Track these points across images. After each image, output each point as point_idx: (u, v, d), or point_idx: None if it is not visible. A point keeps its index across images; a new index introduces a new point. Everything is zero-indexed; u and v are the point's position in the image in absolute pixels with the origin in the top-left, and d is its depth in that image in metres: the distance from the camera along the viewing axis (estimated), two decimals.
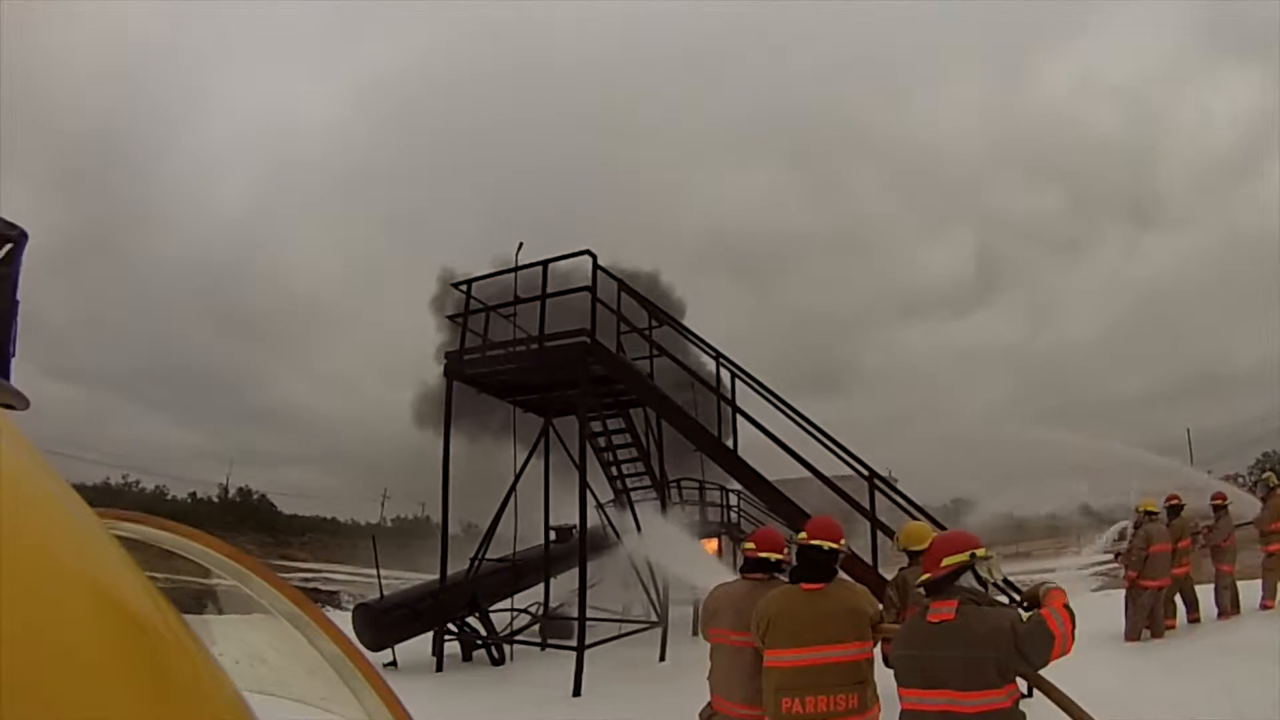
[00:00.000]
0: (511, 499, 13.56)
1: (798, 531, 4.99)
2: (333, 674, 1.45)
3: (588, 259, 12.13)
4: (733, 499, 21.30)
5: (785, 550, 5.30)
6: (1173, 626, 11.93)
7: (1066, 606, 3.69)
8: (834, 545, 4.69)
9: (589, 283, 12.09)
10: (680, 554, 11.77)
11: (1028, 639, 3.54)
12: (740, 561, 5.53)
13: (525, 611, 14.06)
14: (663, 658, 12.17)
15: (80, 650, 0.52)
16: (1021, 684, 3.72)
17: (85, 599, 0.57)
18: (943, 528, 8.02)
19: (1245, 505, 13.18)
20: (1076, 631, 3.64)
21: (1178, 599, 12.18)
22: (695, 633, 10.96)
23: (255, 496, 39.79)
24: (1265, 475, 13.49)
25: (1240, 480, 36.60)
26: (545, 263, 12.31)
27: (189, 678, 0.64)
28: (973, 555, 3.88)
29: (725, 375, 11.94)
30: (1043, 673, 3.65)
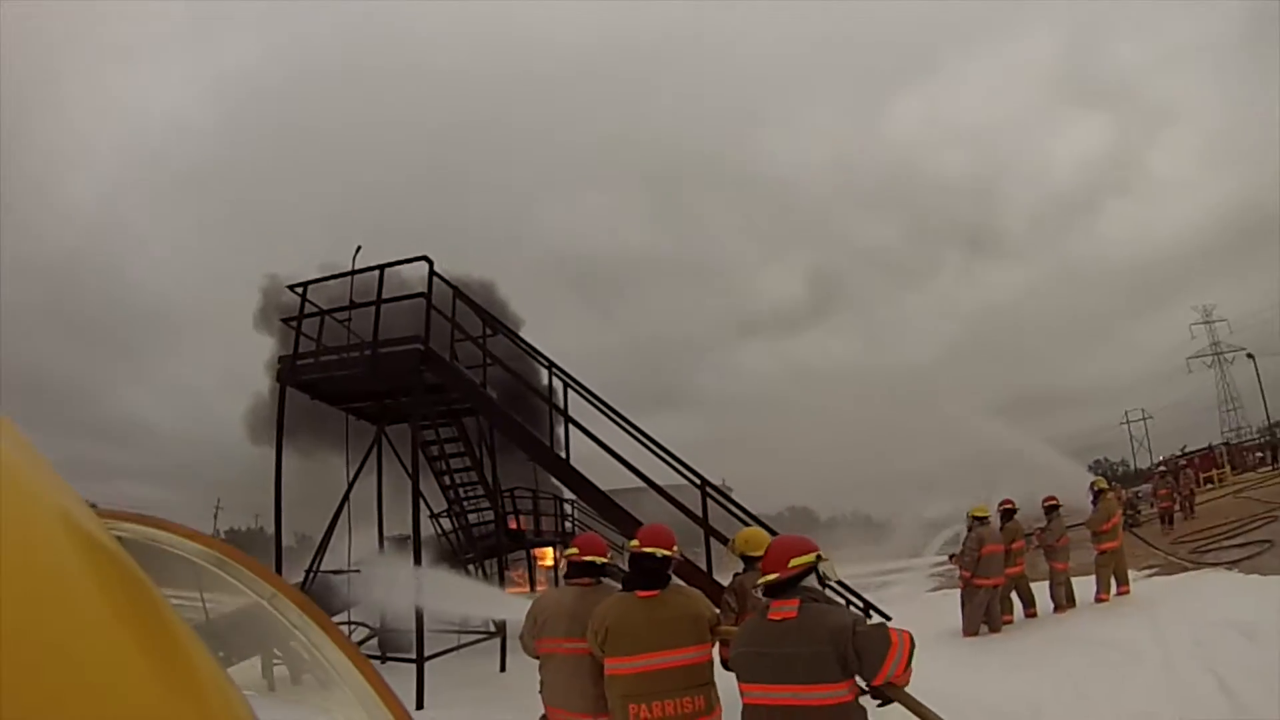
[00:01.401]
0: (345, 509, 13.05)
1: (631, 540, 4.96)
2: (333, 674, 1.44)
3: (424, 265, 11.79)
4: (567, 508, 21.22)
5: (609, 554, 5.33)
6: (1009, 621, 12.28)
7: (911, 642, 3.68)
8: (667, 552, 4.68)
9: (424, 289, 11.77)
10: (457, 594, 11.46)
11: (865, 638, 3.58)
12: (565, 569, 5.53)
13: (362, 625, 13.41)
14: (503, 668, 11.97)
15: (80, 650, 0.50)
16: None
17: (85, 599, 0.56)
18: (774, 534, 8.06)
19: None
20: (915, 653, 3.65)
21: (1014, 596, 12.56)
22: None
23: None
24: (1094, 480, 14.09)
25: None
26: (382, 267, 11.92)
27: (189, 677, 0.61)
28: (817, 557, 3.90)
29: (560, 388, 11.79)
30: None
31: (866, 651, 3.54)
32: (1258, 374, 51.28)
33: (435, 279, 11.77)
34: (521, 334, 14.59)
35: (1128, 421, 63.97)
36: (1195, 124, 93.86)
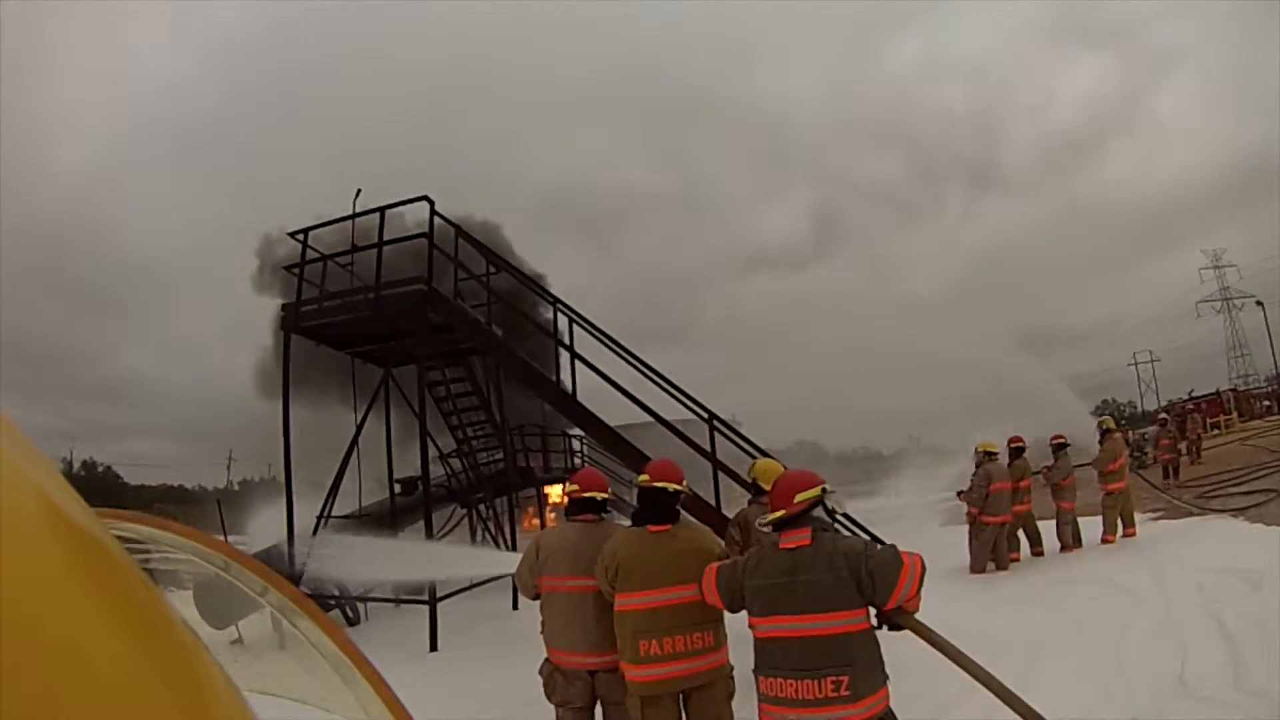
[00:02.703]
0: (354, 453, 13.11)
1: (640, 475, 4.93)
2: (331, 672, 1.45)
3: (425, 206, 11.69)
4: (575, 445, 21.27)
5: (610, 489, 5.26)
6: (1016, 559, 12.32)
7: (922, 565, 3.74)
8: (677, 487, 4.67)
9: (426, 229, 11.66)
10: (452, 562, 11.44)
11: (879, 560, 3.62)
12: (566, 505, 5.38)
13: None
14: (515, 606, 11.93)
15: (80, 650, 0.50)
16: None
17: (85, 598, 0.55)
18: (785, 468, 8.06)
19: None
20: (925, 577, 3.72)
21: (1021, 534, 12.61)
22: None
23: (100, 469, 37.87)
24: (1101, 419, 14.04)
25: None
26: (382, 209, 11.82)
27: (188, 677, 0.61)
28: (823, 490, 3.90)
29: (564, 324, 11.73)
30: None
31: (880, 573, 3.57)
32: (1266, 322, 51.15)
33: (436, 219, 11.67)
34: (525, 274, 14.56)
35: (1135, 363, 63.99)
36: (1199, 69, 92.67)
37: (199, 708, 0.60)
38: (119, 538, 0.77)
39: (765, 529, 4.17)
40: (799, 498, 3.80)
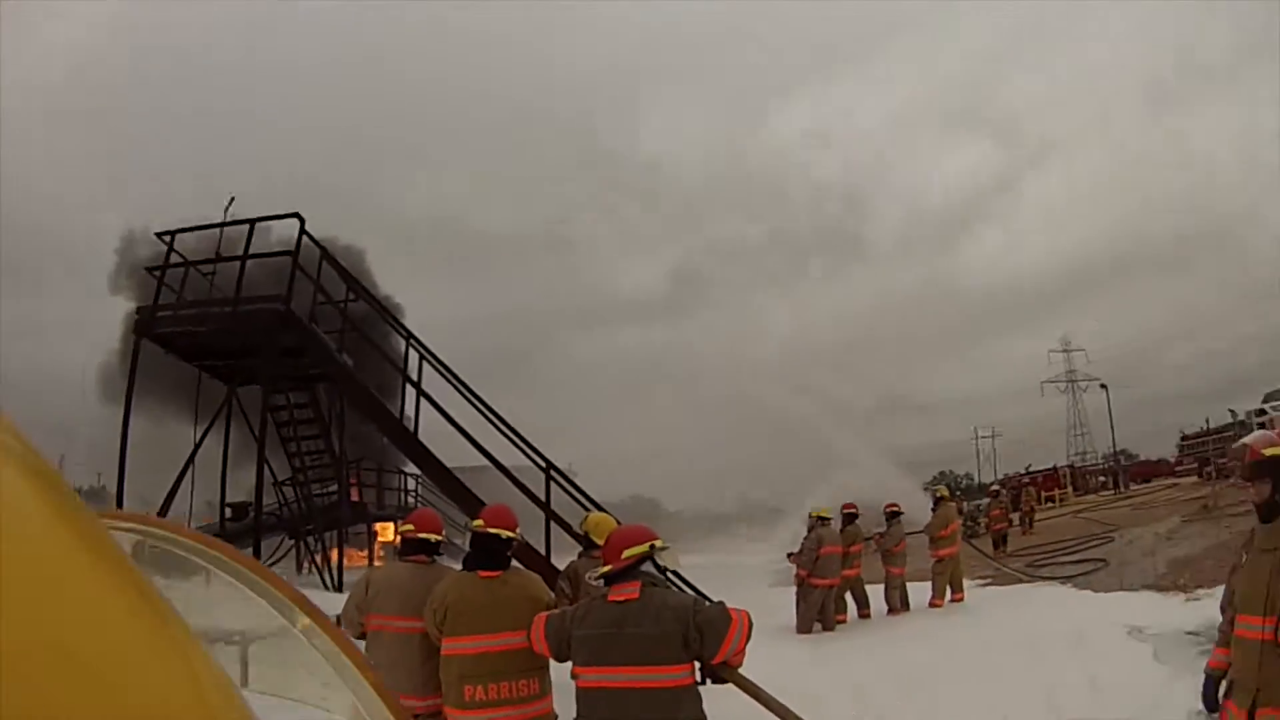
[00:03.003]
0: (189, 471, 12.54)
1: (474, 519, 4.90)
2: (330, 672, 1.44)
3: (294, 224, 11.47)
4: (411, 483, 20.86)
5: (434, 536, 5.19)
6: (843, 620, 12.60)
7: (749, 621, 3.77)
8: (510, 534, 4.66)
9: (292, 248, 11.45)
10: None
11: (708, 615, 3.66)
12: (399, 545, 5.36)
13: None
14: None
15: (80, 651, 0.51)
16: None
17: (85, 600, 0.56)
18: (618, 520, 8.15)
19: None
20: (752, 634, 3.75)
21: (849, 596, 12.90)
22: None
23: None
24: (937, 489, 14.62)
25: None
26: (253, 221, 11.65)
27: (189, 677, 0.61)
28: (652, 546, 3.91)
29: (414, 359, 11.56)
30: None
31: (709, 628, 3.60)
32: (1109, 404, 54.17)
33: (305, 238, 11.46)
34: (386, 303, 14.39)
35: (977, 437, 66.92)
36: (1072, 164, 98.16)
37: (200, 707, 0.60)
38: (119, 538, 0.80)
39: (595, 582, 4.21)
40: (627, 553, 3.81)
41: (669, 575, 4.44)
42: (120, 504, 11.73)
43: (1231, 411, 34.27)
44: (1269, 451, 3.56)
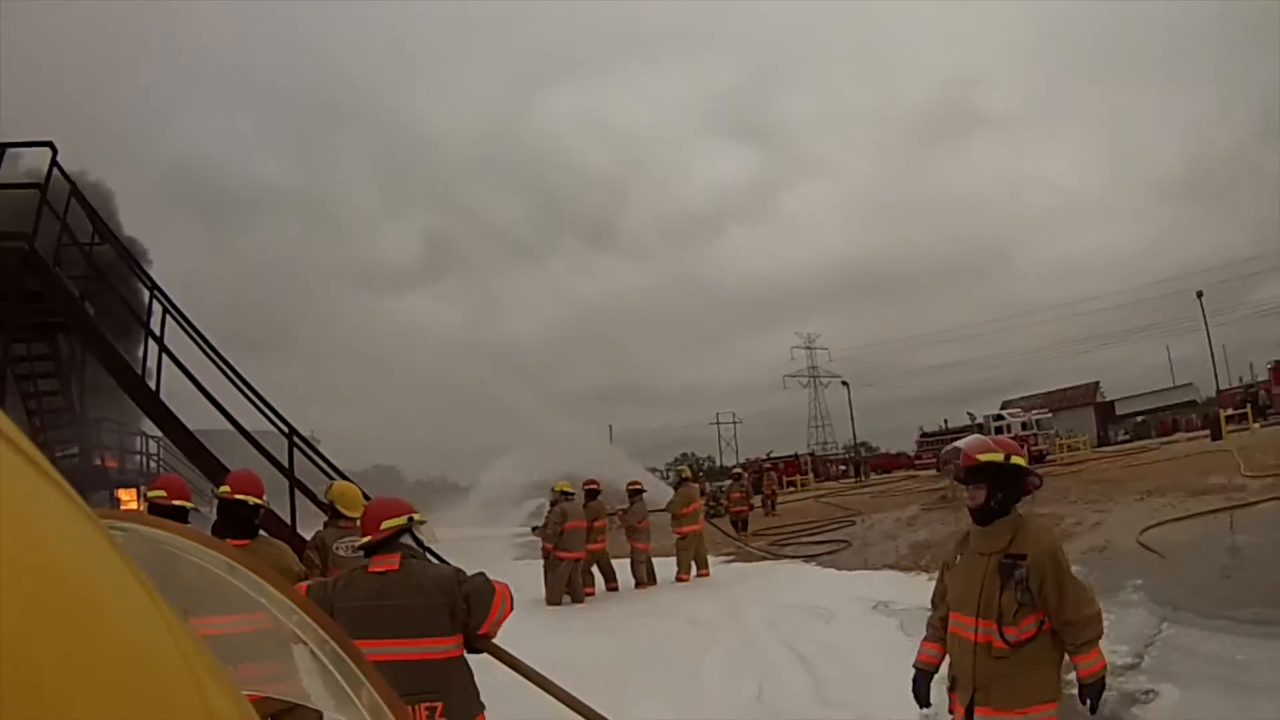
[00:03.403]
0: None
1: (218, 485, 4.89)
2: (332, 672, 1.41)
3: (46, 152, 10.55)
4: (153, 446, 19.82)
5: (179, 501, 5.05)
6: (591, 593, 13.19)
7: (510, 593, 3.87)
8: (257, 500, 4.67)
9: (41, 180, 10.45)
10: None
11: (473, 586, 3.70)
12: (148, 510, 5.12)
13: None
14: None
15: (80, 652, 0.49)
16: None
17: (84, 600, 0.53)
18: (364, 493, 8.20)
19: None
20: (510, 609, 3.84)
21: (595, 570, 13.51)
22: None
23: None
24: (680, 469, 15.51)
25: (659, 472, 42.46)
26: (2, 147, 10.39)
27: (189, 679, 0.59)
28: (410, 519, 3.92)
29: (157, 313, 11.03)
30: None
31: (475, 598, 3.66)
32: (849, 399, 58.88)
33: (56, 171, 10.53)
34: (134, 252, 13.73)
35: (718, 423, 71.50)
36: (838, 184, 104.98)
37: (200, 707, 0.59)
38: (119, 538, 0.69)
39: (349, 553, 4.27)
40: (384, 525, 3.82)
41: (428, 550, 4.57)
42: None
43: (970, 414, 37.78)
44: (984, 457, 3.71)
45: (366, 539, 3.90)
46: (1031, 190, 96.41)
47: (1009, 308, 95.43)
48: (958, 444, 3.91)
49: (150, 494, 5.26)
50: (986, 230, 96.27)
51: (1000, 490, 3.73)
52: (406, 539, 3.97)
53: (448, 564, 4.49)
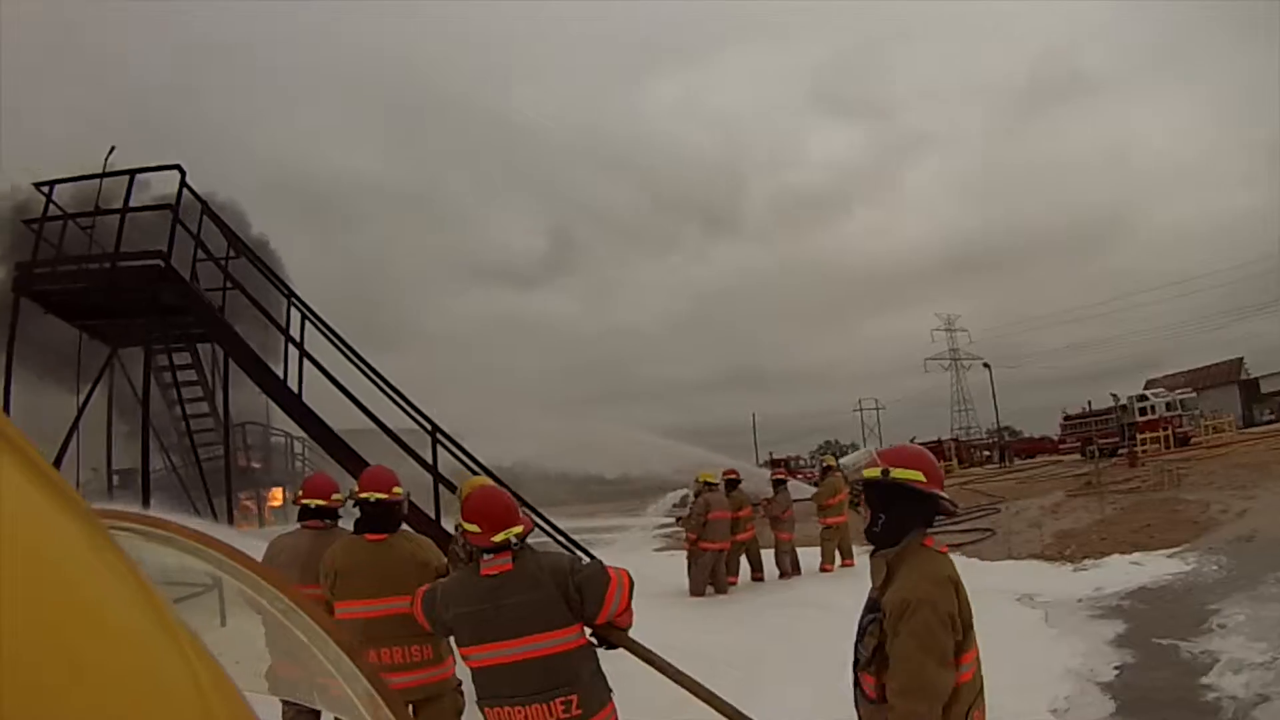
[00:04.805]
0: (75, 437, 12.01)
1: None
2: (333, 673, 1.43)
3: (175, 175, 11.05)
4: (299, 447, 20.44)
5: (334, 497, 5.18)
6: (734, 583, 12.88)
7: (630, 580, 3.68)
8: (381, 495, 4.61)
9: (173, 201, 11.02)
10: None
11: (585, 574, 3.58)
12: (299, 512, 5.29)
13: None
14: (223, 622, 11.37)
15: (80, 652, 0.50)
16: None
17: (85, 601, 0.55)
18: (506, 485, 8.14)
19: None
20: (635, 592, 3.67)
21: (743, 559, 13.22)
22: None
23: None
24: (824, 457, 15.03)
25: (801, 462, 41.39)
26: (132, 172, 11.15)
27: (189, 679, 0.60)
28: (519, 532, 3.70)
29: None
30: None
31: (588, 586, 3.53)
32: (992, 382, 56.53)
33: (185, 191, 11.05)
34: (267, 260, 14.03)
35: (860, 409, 69.42)
36: (945, 154, 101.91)
37: (200, 707, 0.59)
38: (119, 539, 0.74)
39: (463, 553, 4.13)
40: (498, 538, 3.62)
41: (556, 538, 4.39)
42: None
43: (1114, 395, 35.86)
44: (866, 473, 3.20)
45: (481, 545, 3.72)
46: (1142, 155, 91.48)
47: (1136, 280, 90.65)
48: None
49: (297, 496, 5.38)
50: (1101, 198, 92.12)
51: (883, 512, 3.08)
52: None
53: (566, 553, 4.13)
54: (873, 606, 3.00)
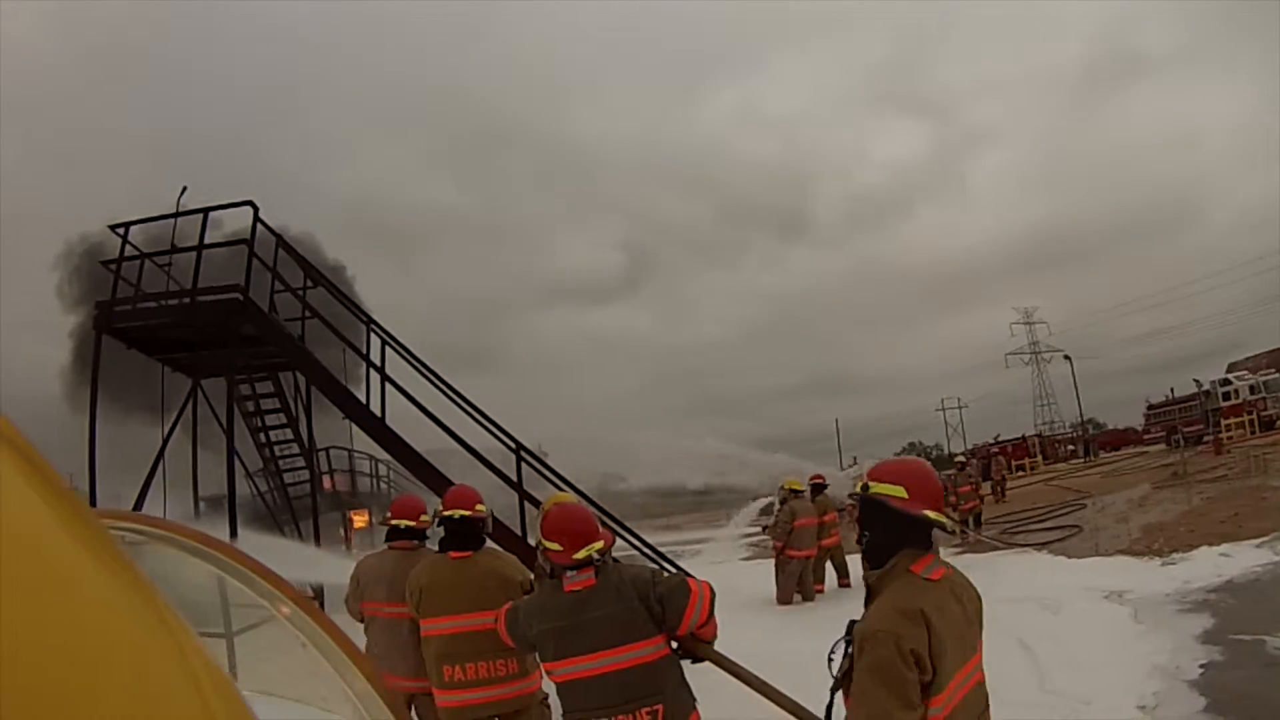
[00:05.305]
0: (160, 467, 12.31)
1: None
2: (332, 672, 1.46)
3: (248, 212, 11.35)
4: (382, 469, 20.78)
5: (422, 518, 5.25)
6: (821, 590, 12.70)
7: (711, 592, 3.65)
8: (465, 513, 4.69)
9: (247, 236, 11.29)
10: (276, 557, 11.17)
11: (668, 587, 3.59)
12: (386, 532, 5.41)
13: None
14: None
15: (80, 652, 0.51)
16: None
17: (84, 601, 0.55)
18: (592, 500, 8.33)
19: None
20: (718, 602, 3.66)
21: (829, 565, 13.02)
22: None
23: None
24: None
25: None
26: (206, 210, 11.46)
27: (189, 677, 0.60)
28: (600, 549, 3.73)
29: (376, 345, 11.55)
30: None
31: (669, 598, 3.52)
32: (1074, 374, 55.33)
33: (259, 226, 11.33)
34: (343, 288, 14.36)
35: (943, 409, 68.29)
36: (1007, 147, 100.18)
37: (200, 708, 0.58)
38: (119, 538, 0.78)
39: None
40: (579, 555, 3.64)
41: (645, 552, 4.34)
42: (93, 504, 11.52)
43: (1196, 381, 34.90)
44: (858, 488, 2.94)
45: (561, 564, 3.70)
46: (1208, 135, 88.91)
47: (1212, 263, 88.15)
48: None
49: (385, 517, 5.48)
50: (1169, 180, 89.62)
51: (867, 530, 2.87)
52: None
53: (649, 565, 4.05)
54: (850, 628, 2.75)
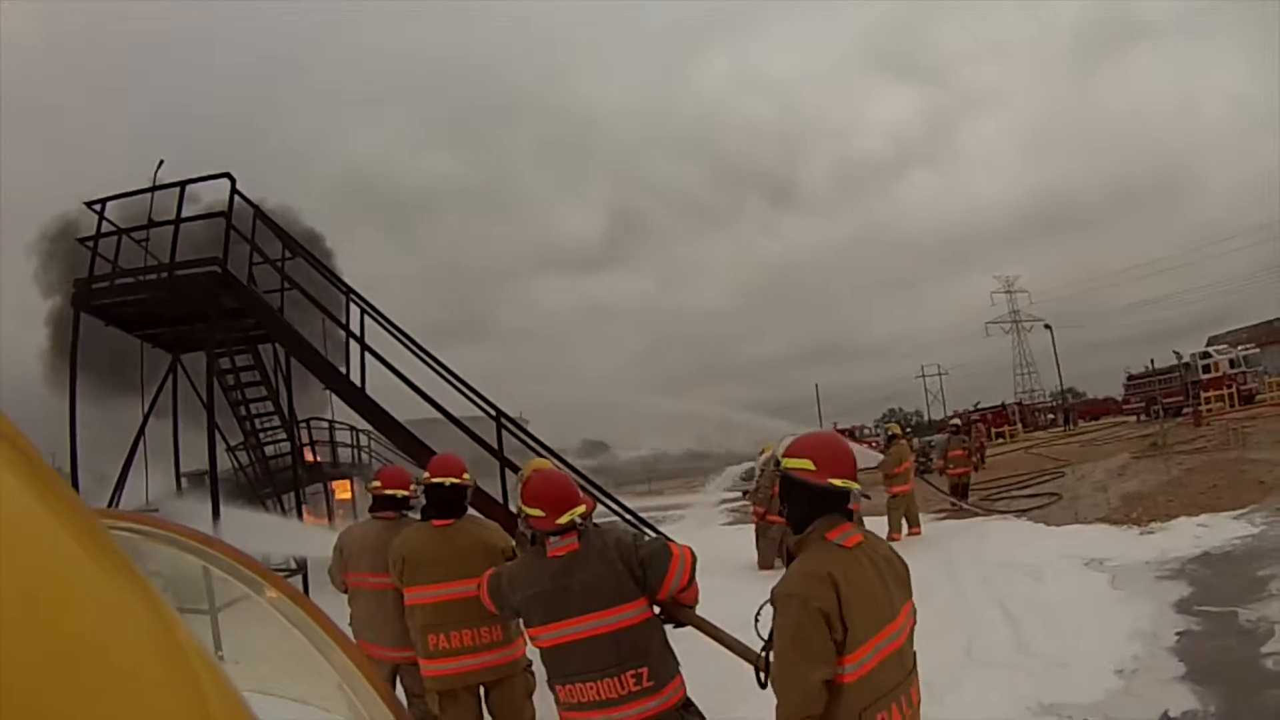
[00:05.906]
0: (141, 444, 12.35)
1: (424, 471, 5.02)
2: (331, 671, 1.44)
3: (225, 184, 11.26)
4: (363, 439, 20.70)
5: (412, 487, 5.29)
6: None
7: (692, 556, 3.72)
8: (455, 480, 4.73)
9: (225, 209, 11.27)
10: (258, 531, 11.21)
11: (650, 550, 3.63)
12: (370, 502, 5.49)
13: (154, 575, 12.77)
14: None
15: (78, 651, 0.50)
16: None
17: (85, 600, 0.56)
18: (573, 467, 8.12)
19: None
20: (703, 568, 3.73)
21: None
22: None
23: None
24: (888, 425, 14.83)
25: (866, 431, 41.13)
26: (182, 184, 11.35)
27: (188, 676, 0.60)
28: (583, 512, 3.76)
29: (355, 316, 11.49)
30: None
31: (651, 561, 3.57)
32: (1054, 344, 55.61)
33: (236, 198, 11.25)
34: (322, 258, 14.30)
35: (924, 376, 68.73)
36: (1002, 112, 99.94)
37: (200, 707, 0.59)
38: (118, 537, 0.79)
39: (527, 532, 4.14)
40: (562, 520, 3.65)
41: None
42: (75, 484, 11.49)
43: (1176, 353, 35.25)
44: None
45: (543, 528, 3.72)
46: (1209, 103, 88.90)
47: (1206, 234, 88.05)
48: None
49: (370, 486, 5.49)
50: (1167, 149, 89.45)
51: (786, 502, 3.05)
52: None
53: (630, 529, 4.12)
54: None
